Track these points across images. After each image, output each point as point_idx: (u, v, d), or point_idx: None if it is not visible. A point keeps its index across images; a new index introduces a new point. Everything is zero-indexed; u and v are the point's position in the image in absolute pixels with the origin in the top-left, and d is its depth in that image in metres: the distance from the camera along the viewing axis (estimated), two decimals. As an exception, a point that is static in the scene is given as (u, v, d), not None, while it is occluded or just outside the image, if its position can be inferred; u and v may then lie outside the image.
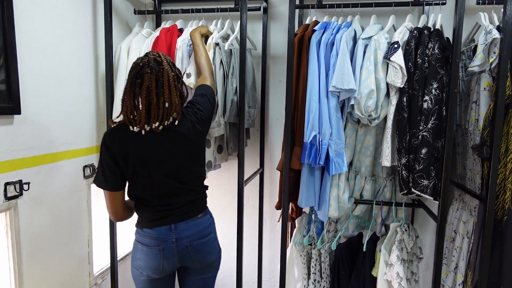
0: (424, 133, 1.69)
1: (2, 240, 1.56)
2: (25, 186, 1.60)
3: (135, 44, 2.04)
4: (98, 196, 2.22)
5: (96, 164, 2.07)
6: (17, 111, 1.54)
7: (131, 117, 1.38)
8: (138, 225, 1.54)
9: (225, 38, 2.15)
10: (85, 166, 2.00)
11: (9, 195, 1.53)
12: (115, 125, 1.45)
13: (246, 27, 1.87)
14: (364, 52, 1.79)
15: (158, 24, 2.47)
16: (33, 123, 1.65)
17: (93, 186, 2.09)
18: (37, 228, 1.69)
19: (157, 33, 2.03)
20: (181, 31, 2.10)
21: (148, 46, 2.01)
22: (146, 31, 2.15)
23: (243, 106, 1.92)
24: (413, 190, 1.75)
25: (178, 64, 1.95)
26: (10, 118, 1.54)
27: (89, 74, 2.02)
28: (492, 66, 1.63)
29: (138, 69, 1.36)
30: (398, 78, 1.71)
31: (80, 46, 1.95)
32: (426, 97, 1.69)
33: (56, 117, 1.79)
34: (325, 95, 1.80)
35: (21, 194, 1.59)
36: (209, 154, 2.17)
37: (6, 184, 1.52)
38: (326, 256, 2.09)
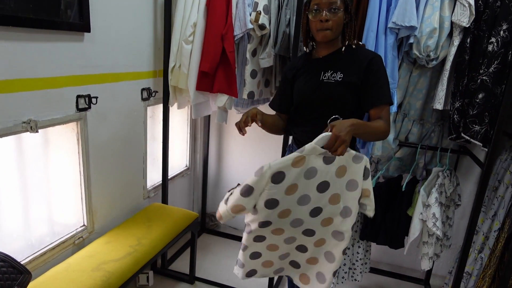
0: (484, 77, 1.63)
1: (74, 146, 1.75)
2: (93, 100, 1.75)
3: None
4: (153, 119, 2.38)
5: (152, 88, 2.20)
6: (87, 29, 1.65)
7: None
8: None
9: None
10: (142, 89, 2.14)
11: (80, 106, 1.69)
12: None
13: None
14: (431, -13, 1.70)
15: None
16: (100, 42, 1.76)
17: (149, 108, 2.25)
18: (102, 140, 1.87)
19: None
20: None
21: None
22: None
23: (297, 39, 1.91)
24: (462, 135, 1.73)
25: None
26: (81, 35, 1.65)
27: (148, 1, 2.08)
28: None
29: None
30: (465, 17, 1.63)
31: (142, -31, 1.98)
32: (493, 39, 1.60)
33: (119, 39, 1.88)
34: (383, 31, 1.75)
35: (89, 107, 1.75)
36: (254, 85, 2.22)
37: (78, 96, 1.68)
38: (364, 193, 2.16)
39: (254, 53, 2.20)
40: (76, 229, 1.83)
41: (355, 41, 1.42)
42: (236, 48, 2.10)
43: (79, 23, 1.61)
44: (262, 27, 2.05)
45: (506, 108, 1.60)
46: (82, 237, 1.83)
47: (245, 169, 2.91)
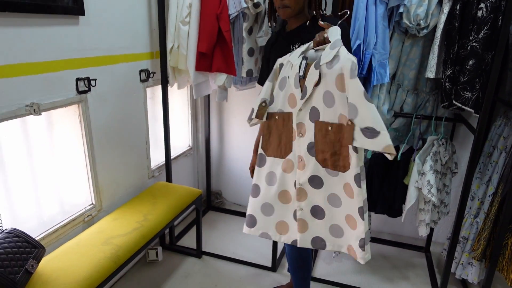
0: (473, 43, 1.64)
1: (77, 128, 1.82)
2: (93, 83, 1.81)
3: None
4: (153, 100, 2.43)
5: (150, 70, 2.24)
6: (82, 12, 1.69)
7: None
8: None
9: None
10: (141, 71, 2.18)
11: (80, 89, 1.75)
12: None
13: None
14: (421, -46, 1.69)
15: None
16: (95, 25, 1.80)
17: (148, 89, 2.30)
18: (104, 121, 1.94)
19: None
20: None
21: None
22: None
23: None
24: (454, 102, 1.76)
25: None
26: (75, 18, 1.69)
27: (142, -20, 2.10)
28: None
29: None
30: (454, -17, 1.63)
31: (133, -49, 2.00)
32: (482, 5, 1.61)
33: (113, 21, 1.92)
34: (373, 2, 1.76)
35: (89, 89, 1.81)
36: (251, 63, 2.25)
37: (77, 79, 1.73)
38: (361, 165, 2.21)
39: (250, 31, 2.21)
40: (85, 208, 1.92)
41: (321, 12, 1.54)
42: (232, 27, 2.13)
43: (73, 6, 1.65)
44: (256, 5, 2.07)
45: (496, 74, 1.62)
46: (91, 215, 1.92)
47: (247, 147, 2.97)
